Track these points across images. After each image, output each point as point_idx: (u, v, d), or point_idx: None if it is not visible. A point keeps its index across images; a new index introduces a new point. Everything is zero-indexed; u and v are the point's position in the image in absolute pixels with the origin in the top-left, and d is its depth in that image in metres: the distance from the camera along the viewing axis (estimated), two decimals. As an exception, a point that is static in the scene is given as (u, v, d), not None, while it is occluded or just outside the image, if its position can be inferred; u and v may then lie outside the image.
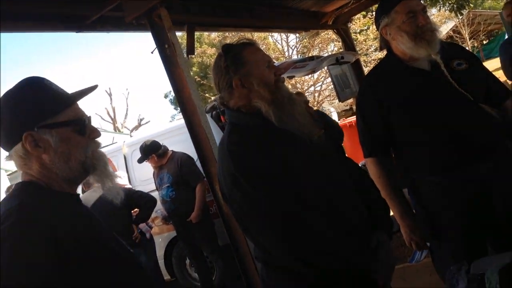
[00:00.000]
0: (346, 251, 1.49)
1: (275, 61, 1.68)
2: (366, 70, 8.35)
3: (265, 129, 1.55)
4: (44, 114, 1.18)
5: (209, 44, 18.58)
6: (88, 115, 1.26)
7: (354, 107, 10.42)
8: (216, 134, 4.91)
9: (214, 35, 17.90)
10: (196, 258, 4.87)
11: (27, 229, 1.04)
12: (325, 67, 5.59)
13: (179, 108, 3.03)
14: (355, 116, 6.26)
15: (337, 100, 6.15)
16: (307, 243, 1.46)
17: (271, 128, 1.54)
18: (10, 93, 1.20)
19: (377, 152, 2.02)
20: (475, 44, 22.14)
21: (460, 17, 16.34)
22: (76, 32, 2.97)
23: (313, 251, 1.47)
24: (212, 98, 11.67)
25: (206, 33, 18.53)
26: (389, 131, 1.95)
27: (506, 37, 4.04)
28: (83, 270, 1.06)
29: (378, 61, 2.08)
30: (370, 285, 1.54)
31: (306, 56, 5.05)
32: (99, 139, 1.28)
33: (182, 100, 2.53)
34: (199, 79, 16.77)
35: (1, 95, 1.21)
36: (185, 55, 2.80)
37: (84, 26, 2.90)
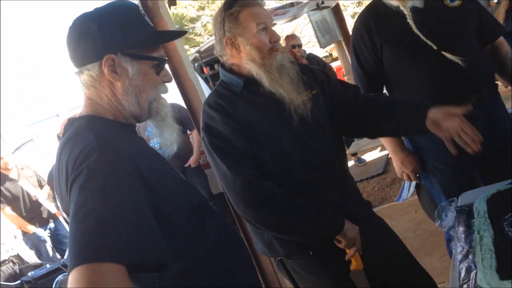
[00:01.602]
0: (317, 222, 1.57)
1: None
2: (345, 15, 8.23)
3: (243, 93, 1.59)
4: (133, 43, 1.16)
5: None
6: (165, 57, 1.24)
7: (333, 53, 10.39)
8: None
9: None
10: None
11: (113, 164, 1.03)
12: (307, 13, 5.53)
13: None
14: (335, 62, 6.19)
15: (316, 47, 6.10)
16: (271, 212, 1.54)
17: (253, 93, 1.59)
18: (103, 10, 1.17)
19: (371, 90, 2.08)
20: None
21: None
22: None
23: (276, 221, 1.56)
24: (192, 50, 11.48)
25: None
26: (383, 71, 2.00)
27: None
28: (164, 196, 1.10)
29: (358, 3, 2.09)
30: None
31: (286, 2, 4.95)
32: (168, 85, 1.27)
33: (168, 52, 2.49)
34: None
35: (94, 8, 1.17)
36: (167, 6, 2.74)
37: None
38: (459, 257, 1.25)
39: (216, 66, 5.13)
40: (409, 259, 1.79)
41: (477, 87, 1.93)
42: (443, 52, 1.87)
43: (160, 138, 1.30)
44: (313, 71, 1.77)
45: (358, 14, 2.10)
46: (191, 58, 4.88)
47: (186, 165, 4.69)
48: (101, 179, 1.00)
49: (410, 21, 1.90)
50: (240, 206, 1.55)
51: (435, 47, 1.87)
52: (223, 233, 1.25)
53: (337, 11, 5.62)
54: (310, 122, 1.63)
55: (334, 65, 7.47)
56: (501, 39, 2.09)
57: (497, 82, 2.07)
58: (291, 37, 5.46)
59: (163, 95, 1.27)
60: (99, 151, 1.04)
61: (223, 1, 1.64)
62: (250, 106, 1.59)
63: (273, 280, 2.98)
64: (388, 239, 1.78)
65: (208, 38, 13.98)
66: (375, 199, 4.67)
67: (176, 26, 19.16)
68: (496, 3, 4.09)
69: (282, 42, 5.58)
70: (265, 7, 1.66)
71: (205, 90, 4.97)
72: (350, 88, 1.78)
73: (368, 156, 6.05)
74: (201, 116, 1.62)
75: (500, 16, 3.73)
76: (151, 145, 4.66)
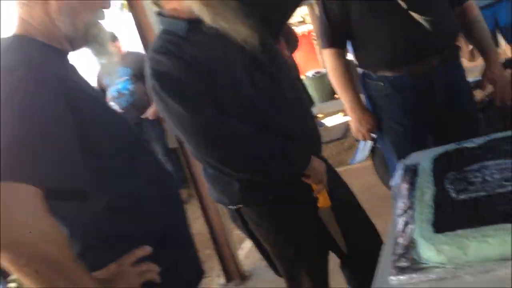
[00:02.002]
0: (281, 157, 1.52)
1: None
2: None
3: (188, 35, 1.49)
4: None
5: None
6: None
7: (306, 18, 10.23)
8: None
9: None
10: None
11: (37, 82, 0.97)
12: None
13: None
14: (307, 25, 6.06)
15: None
16: (238, 150, 1.47)
17: (200, 33, 1.48)
18: None
19: (335, 43, 2.03)
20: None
21: None
22: None
23: (245, 159, 1.49)
24: None
25: None
26: (348, 23, 1.94)
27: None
28: (92, 124, 1.05)
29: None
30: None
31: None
32: (106, 13, 1.20)
33: (130, 2, 2.39)
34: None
35: None
36: None
37: None
38: (399, 211, 1.23)
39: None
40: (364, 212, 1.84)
41: (439, 48, 1.91)
42: (410, 12, 1.83)
43: (101, 67, 1.26)
44: None
45: None
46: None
47: (143, 116, 4.56)
48: (24, 96, 0.94)
49: None
50: (203, 149, 1.47)
51: (404, 6, 1.82)
52: (155, 174, 1.20)
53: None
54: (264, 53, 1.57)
55: (306, 28, 7.38)
56: (471, 2, 2.05)
57: (459, 46, 2.04)
58: None
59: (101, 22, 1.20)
60: (25, 68, 0.98)
61: None
62: (200, 47, 1.49)
63: (220, 228, 2.98)
64: (347, 189, 1.83)
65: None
66: (332, 163, 4.61)
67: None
68: None
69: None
70: None
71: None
72: None
73: (329, 121, 6.07)
74: (147, 65, 1.50)
75: None
76: (109, 93, 4.54)
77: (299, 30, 7.27)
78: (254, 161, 1.50)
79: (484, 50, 2.09)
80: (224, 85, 1.48)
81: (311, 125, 1.69)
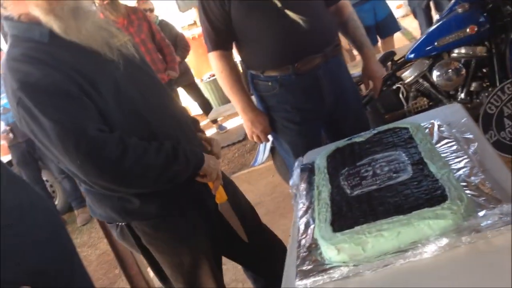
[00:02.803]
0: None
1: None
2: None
3: (52, 40, 1.35)
4: None
5: None
6: None
7: (197, 20, 10.18)
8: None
9: None
10: (39, 183, 4.56)
11: None
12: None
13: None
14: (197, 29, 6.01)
15: (176, 11, 5.87)
16: (130, 166, 1.36)
17: (59, 39, 1.35)
18: None
19: (220, 46, 2.00)
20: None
21: None
22: None
23: (140, 174, 1.40)
24: None
25: None
26: (230, 25, 1.93)
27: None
28: None
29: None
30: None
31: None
32: None
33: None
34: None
35: None
36: None
37: None
38: (300, 213, 1.24)
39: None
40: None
41: (320, 46, 1.96)
42: (286, 11, 1.85)
43: None
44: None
45: None
46: None
47: None
48: None
49: None
50: (91, 171, 1.32)
51: (279, 5, 1.84)
52: (25, 202, 1.08)
53: (195, -26, 5.44)
54: (138, 59, 1.51)
55: (196, 31, 7.29)
56: (344, 1, 2.14)
57: (339, 44, 2.12)
58: (142, 1, 5.15)
59: None
60: None
61: None
62: (70, 53, 1.35)
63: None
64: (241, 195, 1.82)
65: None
66: (235, 166, 4.71)
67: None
68: None
69: (135, 4, 5.25)
70: None
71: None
72: None
73: (230, 124, 6.08)
74: (7, 77, 1.32)
75: None
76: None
77: (190, 33, 7.18)
78: (151, 172, 1.41)
79: (360, 48, 2.18)
80: (105, 93, 1.36)
81: (189, 129, 1.65)
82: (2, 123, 4.26)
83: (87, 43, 1.37)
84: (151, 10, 5.14)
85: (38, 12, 1.33)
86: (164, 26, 5.15)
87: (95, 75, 1.36)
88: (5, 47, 1.41)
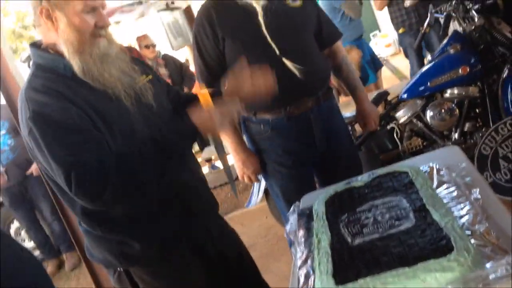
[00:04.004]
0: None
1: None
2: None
3: (75, 75, 1.35)
4: None
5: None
6: None
7: (190, 58, 10.31)
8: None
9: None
10: (34, 222, 4.47)
11: None
12: (158, 15, 5.34)
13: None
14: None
15: (169, 50, 5.93)
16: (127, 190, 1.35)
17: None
18: None
19: (212, 84, 1.97)
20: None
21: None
22: None
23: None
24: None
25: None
26: (225, 65, 1.93)
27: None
28: None
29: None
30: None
31: (134, 1, 4.71)
32: None
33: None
34: (18, 29, 14.94)
35: None
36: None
37: None
38: (299, 262, 1.20)
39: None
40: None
41: (313, 90, 1.97)
42: (283, 59, 1.87)
43: None
44: (144, 62, 1.66)
45: (201, 6, 2.00)
46: (25, 55, 4.34)
47: (27, 173, 4.20)
48: None
49: (261, 19, 1.86)
50: (94, 202, 1.31)
51: (277, 52, 1.85)
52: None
53: (189, 13, 5.52)
54: (154, 105, 1.49)
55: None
56: (338, 43, 2.16)
57: (331, 87, 2.13)
58: (142, 38, 5.20)
59: None
60: None
61: None
62: (90, 90, 1.35)
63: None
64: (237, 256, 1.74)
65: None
66: (228, 206, 4.65)
67: (19, 24, 17.54)
68: None
69: (134, 44, 5.31)
70: (111, 6, 1.45)
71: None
72: (172, 92, 1.70)
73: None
74: (22, 105, 1.32)
75: None
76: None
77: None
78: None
79: (354, 91, 2.20)
80: (118, 133, 1.36)
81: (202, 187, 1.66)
82: None
83: (104, 87, 1.37)
84: (153, 46, 5.20)
85: (65, 49, 1.34)
86: (168, 59, 5.23)
87: (111, 117, 1.36)
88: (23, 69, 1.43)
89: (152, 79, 1.55)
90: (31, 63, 3.80)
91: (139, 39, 5.21)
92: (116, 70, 1.40)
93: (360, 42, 4.54)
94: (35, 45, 1.41)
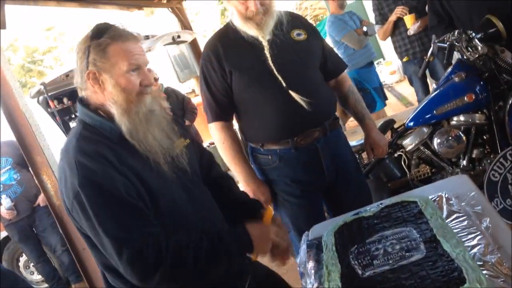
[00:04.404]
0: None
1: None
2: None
3: (120, 140, 1.37)
4: None
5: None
6: None
7: (196, 89, 10.42)
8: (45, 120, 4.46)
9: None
10: (42, 255, 4.45)
11: None
12: (164, 48, 5.44)
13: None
14: (196, 98, 6.13)
15: (176, 82, 6.01)
16: (175, 272, 1.30)
17: (126, 141, 1.37)
18: None
19: (221, 117, 2.01)
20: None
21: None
22: None
23: (186, 276, 1.33)
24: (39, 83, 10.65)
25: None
26: (232, 98, 1.95)
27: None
28: None
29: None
30: None
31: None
32: None
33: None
34: (27, 64, 15.25)
35: None
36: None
37: None
38: (309, 296, 1.18)
39: (65, 100, 4.68)
40: None
41: (320, 120, 1.98)
42: (290, 91, 1.89)
43: None
44: (182, 124, 1.67)
45: (207, 40, 2.03)
46: (34, 90, 4.42)
47: (35, 205, 4.23)
48: None
49: (267, 52, 1.89)
50: (135, 276, 1.28)
51: (284, 85, 1.88)
52: None
53: (194, 46, 5.62)
54: (190, 172, 1.49)
55: (195, 101, 7.42)
56: (344, 74, 2.18)
57: (337, 116, 2.14)
58: None
59: None
60: None
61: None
62: (134, 156, 1.36)
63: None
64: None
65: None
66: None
67: (28, 59, 17.88)
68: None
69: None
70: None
71: (52, 126, 4.55)
72: (205, 157, 1.70)
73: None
74: (70, 167, 1.31)
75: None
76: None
77: (194, 101, 7.31)
78: (198, 272, 1.33)
79: (362, 120, 2.21)
80: (162, 203, 1.35)
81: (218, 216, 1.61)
82: (8, 200, 4.22)
83: (145, 151, 1.38)
84: (156, 79, 5.26)
85: (114, 110, 1.36)
86: (170, 92, 5.29)
87: (155, 188, 1.35)
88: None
89: (189, 144, 1.56)
90: (40, 99, 3.90)
91: None
92: (159, 132, 1.41)
93: (371, 69, 4.59)
94: (84, 103, 1.42)
